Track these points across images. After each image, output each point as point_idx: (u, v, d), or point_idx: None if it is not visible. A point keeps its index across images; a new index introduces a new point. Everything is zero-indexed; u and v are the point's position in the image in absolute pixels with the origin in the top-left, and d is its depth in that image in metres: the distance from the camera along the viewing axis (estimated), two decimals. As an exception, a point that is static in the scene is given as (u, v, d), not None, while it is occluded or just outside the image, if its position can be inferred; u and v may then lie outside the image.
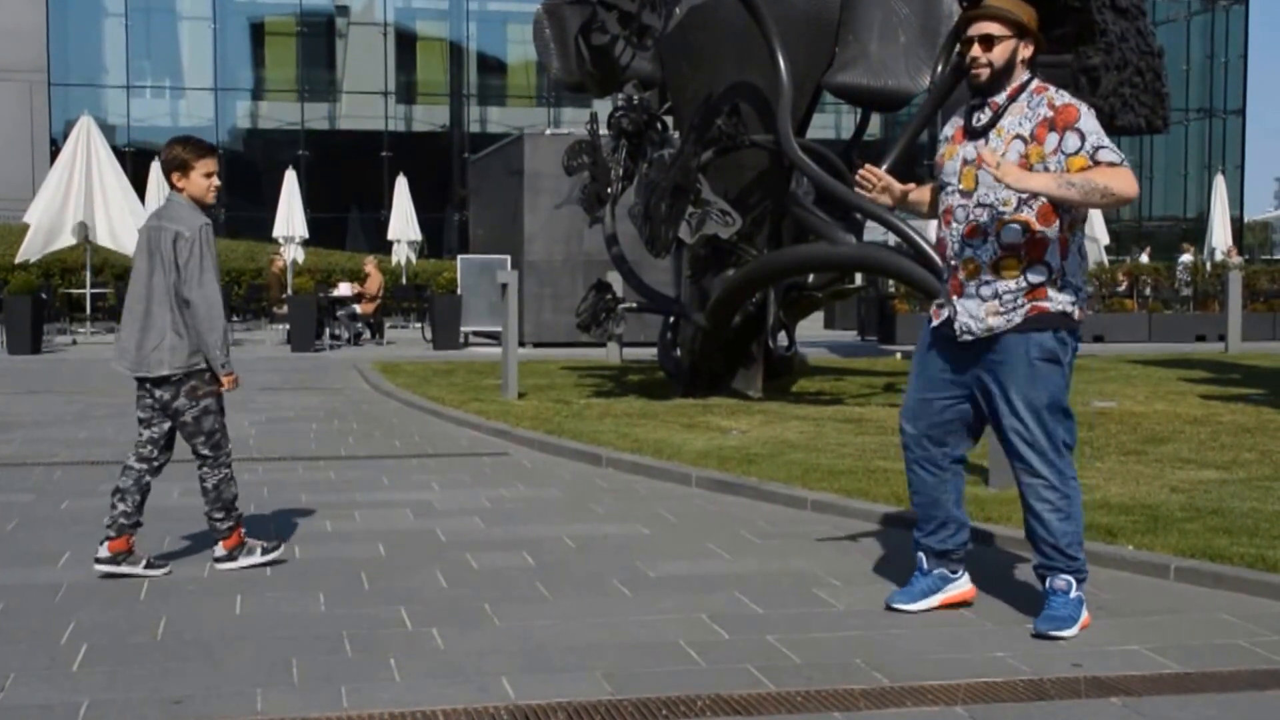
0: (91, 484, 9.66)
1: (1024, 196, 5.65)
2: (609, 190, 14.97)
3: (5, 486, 9.56)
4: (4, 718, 4.70)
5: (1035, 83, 5.83)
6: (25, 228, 26.12)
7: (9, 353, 23.61)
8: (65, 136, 28.09)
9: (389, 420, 13.92)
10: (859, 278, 17.45)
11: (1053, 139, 5.64)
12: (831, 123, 47.91)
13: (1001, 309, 5.72)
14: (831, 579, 6.79)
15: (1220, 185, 39.08)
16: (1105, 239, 32.98)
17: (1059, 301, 5.72)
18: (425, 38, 54.71)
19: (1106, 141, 5.64)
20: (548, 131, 28.48)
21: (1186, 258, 34.94)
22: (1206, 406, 14.02)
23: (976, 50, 5.79)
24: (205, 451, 6.96)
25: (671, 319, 15.90)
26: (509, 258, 25.11)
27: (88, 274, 27.90)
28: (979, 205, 5.76)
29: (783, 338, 15.49)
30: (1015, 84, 5.81)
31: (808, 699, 4.90)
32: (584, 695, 4.94)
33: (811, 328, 30.96)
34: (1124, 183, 5.58)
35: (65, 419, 13.74)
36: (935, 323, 5.97)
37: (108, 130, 34.43)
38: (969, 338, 5.82)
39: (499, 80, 55.44)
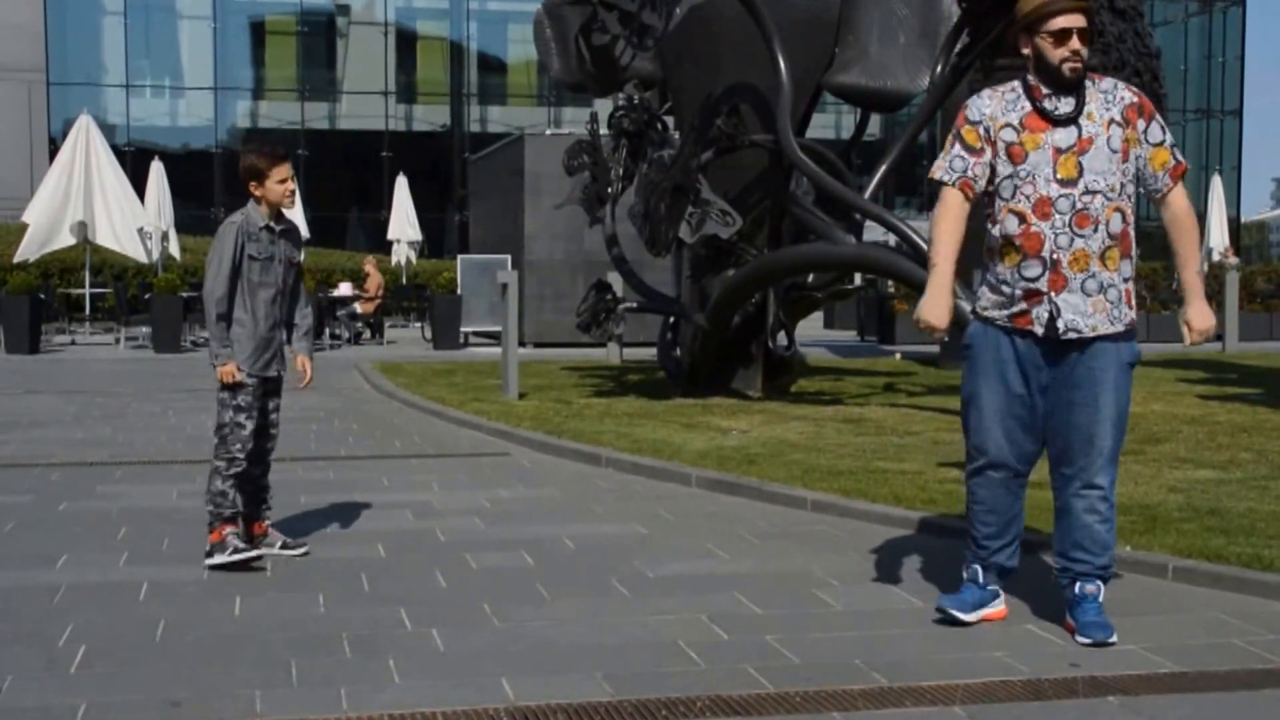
0: (89, 485, 9.67)
1: (1125, 181, 5.60)
2: (609, 190, 14.97)
3: (3, 488, 9.56)
4: None
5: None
6: (24, 227, 26.13)
7: (7, 352, 23.59)
8: (64, 136, 28.09)
9: (389, 420, 13.93)
10: (858, 278, 17.46)
11: (1142, 125, 5.61)
12: (831, 123, 47.91)
13: (1108, 304, 5.61)
14: (831, 579, 6.80)
15: (1217, 186, 39.05)
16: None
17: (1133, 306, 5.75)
18: (426, 37, 54.71)
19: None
20: (548, 131, 28.50)
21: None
22: (1204, 406, 14.03)
23: (1078, 43, 5.56)
24: (215, 439, 7.19)
25: (671, 319, 15.91)
26: (509, 258, 25.11)
27: (87, 274, 27.89)
28: (1088, 192, 5.56)
29: (782, 338, 15.50)
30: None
31: (806, 699, 4.91)
32: (583, 696, 4.95)
33: (811, 328, 30.97)
34: (1189, 206, 5.74)
35: (63, 419, 13.75)
36: (1039, 329, 5.67)
37: (107, 130, 34.44)
38: (1074, 335, 5.63)
39: (499, 80, 55.44)
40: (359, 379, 18.80)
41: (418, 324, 32.85)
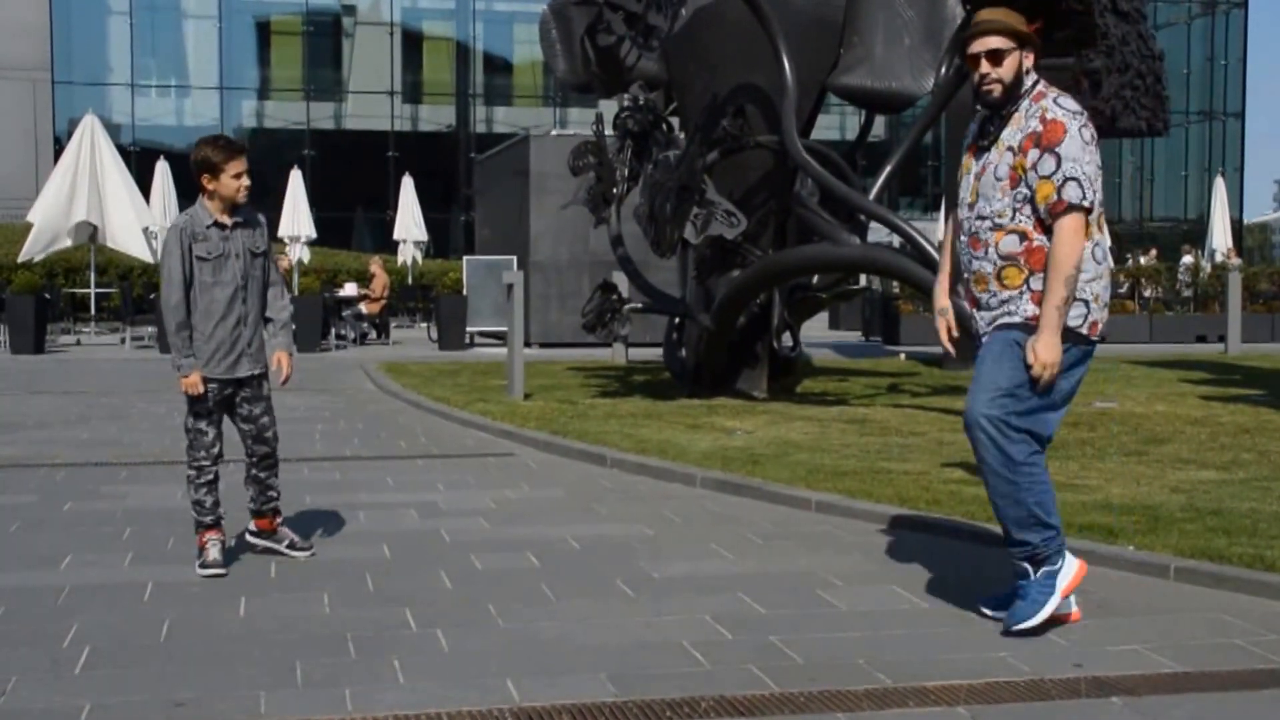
0: (94, 485, 9.69)
1: (1018, 205, 5.65)
2: (614, 191, 14.98)
3: (7, 488, 9.58)
4: None
5: (1038, 88, 5.76)
6: (29, 226, 26.16)
7: (12, 352, 23.63)
8: (69, 135, 28.12)
9: (394, 421, 13.94)
10: (863, 279, 17.45)
11: (1034, 155, 5.61)
12: (836, 124, 47.92)
13: (1005, 315, 5.73)
14: (834, 580, 6.81)
15: (1220, 187, 39.05)
16: (1107, 240, 32.95)
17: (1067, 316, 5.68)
18: (432, 37, 54.72)
19: (1081, 173, 5.54)
20: (553, 132, 28.54)
21: (1187, 259, 34.94)
22: (1206, 407, 14.03)
23: (986, 67, 5.72)
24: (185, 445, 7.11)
25: (677, 319, 15.92)
26: (515, 258, 25.14)
27: (92, 274, 27.93)
28: (978, 217, 5.78)
29: (787, 338, 15.51)
30: (1020, 91, 5.75)
31: (810, 699, 4.92)
32: (588, 696, 4.96)
33: (816, 328, 30.98)
34: (1070, 250, 5.53)
35: (68, 419, 13.77)
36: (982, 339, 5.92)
37: (112, 129, 34.47)
38: (984, 331, 5.84)
39: (505, 80, 55.48)
40: (364, 379, 18.82)
41: (423, 324, 32.88)
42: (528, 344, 21.99)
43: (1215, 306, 29.24)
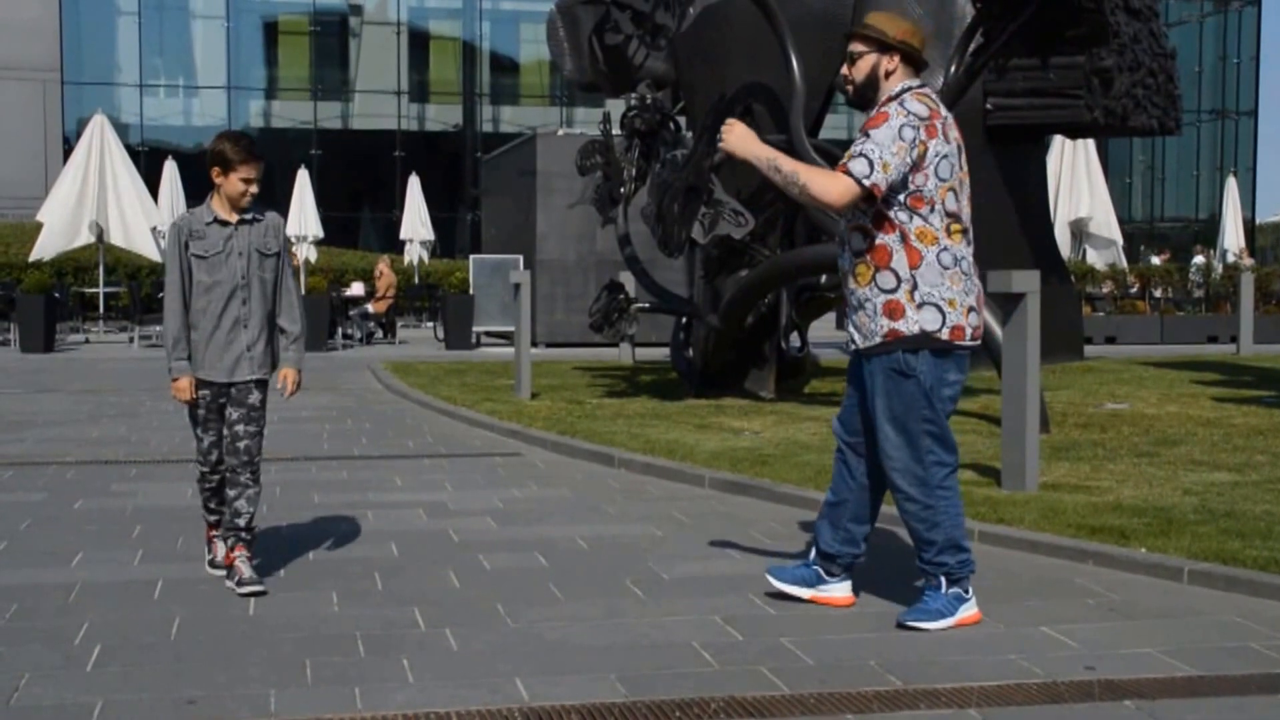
0: (104, 483, 9.68)
1: (859, 204, 5.76)
2: (622, 190, 14.96)
3: (18, 486, 9.58)
4: (19, 718, 4.72)
5: (905, 94, 5.84)
6: (39, 226, 26.18)
7: (22, 351, 23.66)
8: (78, 135, 28.16)
9: (401, 420, 13.93)
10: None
11: (858, 136, 5.82)
12: (844, 123, 47.84)
13: (866, 318, 5.84)
14: (844, 581, 6.79)
15: (1232, 187, 38.95)
16: (1120, 240, 32.86)
17: (915, 321, 5.74)
18: (438, 37, 54.74)
19: (876, 156, 5.65)
20: (560, 131, 28.51)
21: (1199, 259, 34.86)
22: (1219, 408, 13.98)
23: (845, 69, 5.99)
24: None
25: (684, 319, 15.90)
26: (521, 257, 25.14)
27: (100, 273, 27.95)
28: (839, 214, 5.93)
29: (795, 338, 15.48)
30: (886, 95, 5.88)
31: (820, 701, 4.91)
32: (597, 697, 4.95)
33: (824, 329, 30.96)
34: (821, 186, 5.74)
35: (78, 418, 13.77)
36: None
37: (121, 129, 34.53)
38: (854, 347, 5.98)
39: (512, 79, 55.47)
40: (371, 379, 18.82)
41: (430, 324, 32.88)
42: (534, 344, 21.98)
43: (1227, 307, 29.13)
